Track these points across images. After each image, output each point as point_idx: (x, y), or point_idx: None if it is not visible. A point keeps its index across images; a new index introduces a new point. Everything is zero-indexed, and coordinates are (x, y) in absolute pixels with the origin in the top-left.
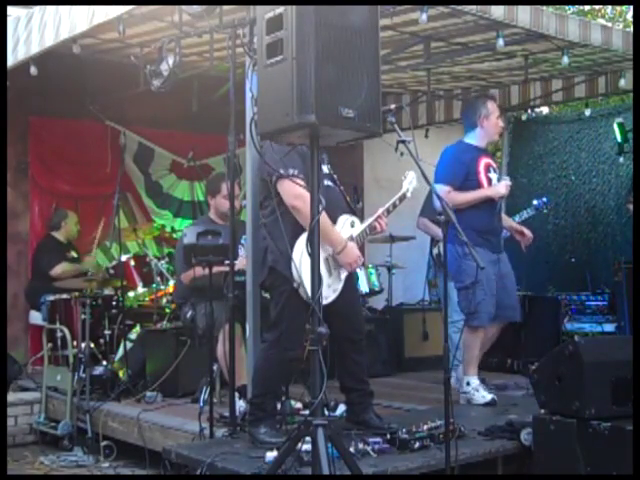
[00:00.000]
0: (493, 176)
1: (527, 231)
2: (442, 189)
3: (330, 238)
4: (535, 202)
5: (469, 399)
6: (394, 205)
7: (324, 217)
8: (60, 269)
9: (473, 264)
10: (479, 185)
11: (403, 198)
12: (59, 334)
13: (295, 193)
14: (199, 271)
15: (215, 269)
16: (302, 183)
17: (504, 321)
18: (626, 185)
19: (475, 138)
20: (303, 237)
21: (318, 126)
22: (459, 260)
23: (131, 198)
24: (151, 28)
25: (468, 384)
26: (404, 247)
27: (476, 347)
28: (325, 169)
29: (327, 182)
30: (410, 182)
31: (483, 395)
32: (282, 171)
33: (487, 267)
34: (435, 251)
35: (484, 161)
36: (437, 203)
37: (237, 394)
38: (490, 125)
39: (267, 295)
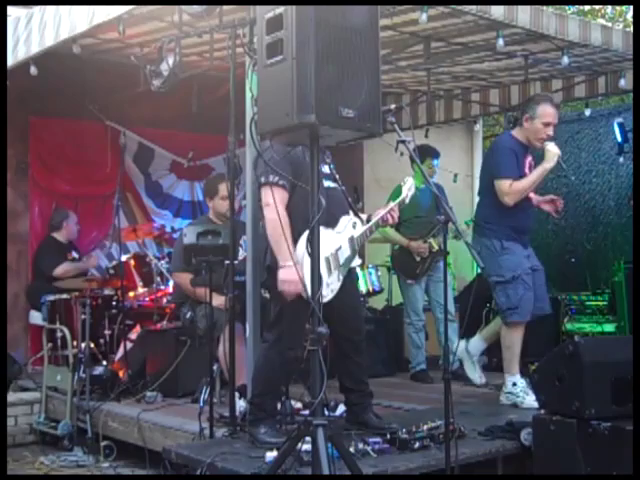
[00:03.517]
0: None
1: (555, 197)
2: (504, 184)
3: (280, 248)
4: None
5: (516, 402)
6: (399, 206)
7: (284, 228)
8: (62, 269)
9: (512, 258)
10: None
11: (402, 204)
12: (59, 334)
13: (265, 202)
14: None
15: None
16: (282, 191)
17: (536, 313)
18: (626, 185)
19: (520, 134)
20: (305, 235)
21: (318, 126)
22: (496, 254)
23: (131, 198)
24: (151, 28)
25: (514, 385)
26: None
27: (518, 345)
28: (326, 169)
29: (328, 183)
30: (409, 188)
31: (535, 399)
32: (263, 178)
33: (523, 262)
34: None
35: (529, 160)
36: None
37: (237, 394)
38: (530, 129)
39: (267, 295)
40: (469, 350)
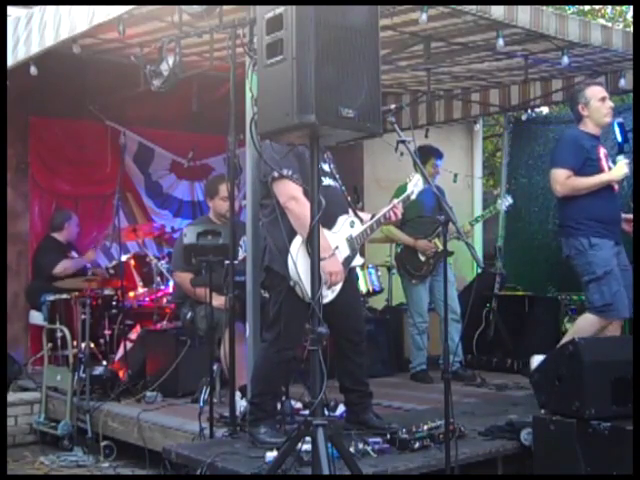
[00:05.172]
0: (612, 165)
1: None
2: (561, 174)
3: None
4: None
5: None
6: (404, 202)
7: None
8: (62, 267)
9: (601, 254)
10: (600, 171)
11: (407, 200)
12: (59, 334)
13: (289, 194)
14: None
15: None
16: (297, 184)
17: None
18: (626, 185)
19: (587, 126)
20: (299, 235)
21: (318, 126)
22: (586, 252)
23: (131, 198)
24: (151, 28)
25: None
26: None
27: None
28: (325, 167)
29: (328, 181)
30: (415, 184)
31: None
32: (276, 172)
33: (613, 259)
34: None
35: (603, 150)
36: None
37: (239, 394)
38: (591, 112)
39: (267, 295)
40: None
